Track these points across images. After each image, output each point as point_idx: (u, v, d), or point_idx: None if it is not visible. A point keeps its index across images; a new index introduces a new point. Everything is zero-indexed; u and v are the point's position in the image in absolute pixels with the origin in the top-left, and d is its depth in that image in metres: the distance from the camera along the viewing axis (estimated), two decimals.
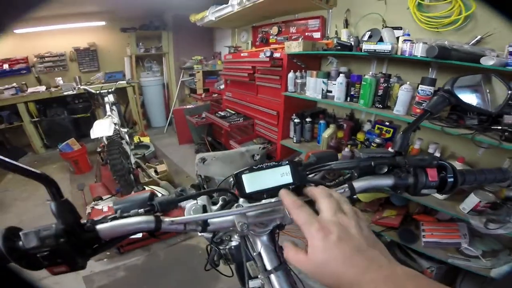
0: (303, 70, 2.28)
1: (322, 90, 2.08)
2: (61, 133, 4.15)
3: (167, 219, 0.41)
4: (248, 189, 0.43)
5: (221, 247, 0.63)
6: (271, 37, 3.15)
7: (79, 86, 3.23)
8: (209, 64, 4.62)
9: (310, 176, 0.53)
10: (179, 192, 0.51)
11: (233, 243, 0.62)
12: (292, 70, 2.30)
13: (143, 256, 2.10)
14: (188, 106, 4.25)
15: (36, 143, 4.24)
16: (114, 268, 1.98)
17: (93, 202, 2.26)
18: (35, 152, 4.31)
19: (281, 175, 0.45)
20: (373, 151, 0.53)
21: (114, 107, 3.08)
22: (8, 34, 3.96)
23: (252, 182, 0.43)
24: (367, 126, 2.14)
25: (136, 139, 4.06)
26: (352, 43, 1.89)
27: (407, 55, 1.57)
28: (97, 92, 3.11)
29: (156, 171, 2.96)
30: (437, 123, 1.47)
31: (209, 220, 0.44)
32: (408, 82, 1.63)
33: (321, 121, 2.29)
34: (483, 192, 1.42)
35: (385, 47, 1.62)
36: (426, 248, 1.65)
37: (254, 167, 0.44)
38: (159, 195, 0.51)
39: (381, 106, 1.79)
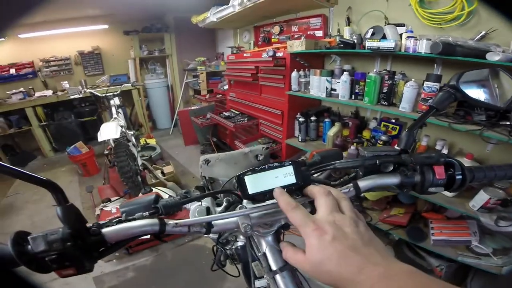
0: (306, 69, 2.27)
1: (326, 88, 2.06)
2: (69, 137, 4.22)
3: (171, 221, 0.41)
4: (250, 191, 0.43)
5: (227, 248, 0.64)
6: (273, 36, 3.14)
7: (85, 89, 3.28)
8: (212, 65, 4.64)
9: (314, 175, 0.52)
10: (183, 194, 0.51)
11: (239, 243, 0.62)
12: (295, 69, 2.29)
13: (152, 257, 2.12)
14: (192, 107, 4.28)
15: (45, 147, 4.32)
16: (124, 268, 2.01)
17: (102, 204, 2.30)
18: (44, 156, 4.39)
19: (284, 175, 0.44)
20: (378, 149, 0.52)
21: (120, 110, 3.12)
22: (13, 38, 4.04)
23: (255, 183, 0.43)
24: (372, 124, 2.12)
25: (142, 141, 4.10)
26: (355, 41, 1.87)
27: (411, 51, 1.55)
28: (103, 95, 3.15)
29: (163, 173, 2.99)
30: (444, 120, 1.45)
31: (213, 222, 0.44)
32: (413, 79, 1.61)
33: (326, 120, 2.28)
34: (493, 189, 1.39)
35: (389, 44, 1.60)
36: (435, 246, 1.63)
37: (256, 168, 0.44)
38: (166, 196, 0.51)
39: (386, 104, 1.78)
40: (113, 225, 0.40)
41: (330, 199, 0.37)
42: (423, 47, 1.48)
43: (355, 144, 1.98)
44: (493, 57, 1.26)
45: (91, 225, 0.39)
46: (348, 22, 2.23)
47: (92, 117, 4.54)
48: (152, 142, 4.29)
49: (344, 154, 1.96)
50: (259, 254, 0.50)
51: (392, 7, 1.92)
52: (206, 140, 3.94)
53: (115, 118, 2.90)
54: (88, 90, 3.29)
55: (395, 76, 1.75)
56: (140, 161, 2.89)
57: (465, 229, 1.59)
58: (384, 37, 1.79)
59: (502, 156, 1.54)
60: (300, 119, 2.37)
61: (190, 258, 2.08)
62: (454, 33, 1.55)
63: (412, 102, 1.62)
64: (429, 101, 1.49)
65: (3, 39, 4.00)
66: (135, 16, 4.49)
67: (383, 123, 2.03)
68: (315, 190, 0.39)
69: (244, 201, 0.48)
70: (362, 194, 0.49)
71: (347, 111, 2.42)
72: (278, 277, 0.47)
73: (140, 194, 2.00)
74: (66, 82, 4.47)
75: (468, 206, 1.45)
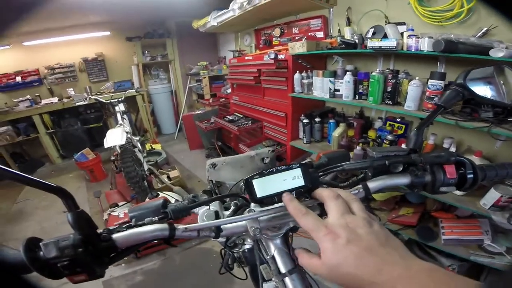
0: (308, 70, 2.27)
1: (330, 89, 2.06)
2: (75, 143, 4.28)
3: (180, 226, 0.42)
4: (259, 194, 0.43)
5: (234, 251, 0.63)
6: (274, 39, 3.15)
7: (90, 96, 3.32)
8: (214, 69, 4.67)
9: (322, 177, 0.52)
10: (191, 199, 0.52)
11: (247, 246, 0.62)
12: (297, 71, 2.29)
13: (159, 261, 2.13)
14: (196, 112, 4.30)
15: (53, 154, 4.38)
16: (132, 272, 2.02)
17: (110, 209, 2.31)
18: (52, 163, 4.46)
19: (293, 178, 0.44)
20: (386, 149, 0.52)
21: (125, 116, 3.15)
22: (17, 46, 4.11)
23: (263, 186, 0.43)
24: (378, 123, 2.11)
25: (148, 146, 4.14)
26: (356, 41, 1.87)
27: (413, 50, 1.55)
28: (108, 101, 3.20)
29: (169, 177, 3.01)
30: (450, 117, 1.44)
31: (222, 226, 0.44)
32: (417, 77, 1.59)
33: (331, 121, 2.27)
34: (504, 186, 1.37)
35: (390, 43, 1.59)
36: (446, 246, 1.60)
37: (264, 171, 0.44)
38: (172, 201, 0.51)
39: (391, 103, 1.76)
40: (123, 230, 0.40)
41: (340, 202, 0.37)
42: (425, 45, 1.48)
43: (361, 144, 1.97)
44: (497, 53, 1.24)
45: (101, 230, 0.39)
46: (348, 22, 2.22)
47: (98, 124, 4.59)
48: (157, 147, 4.32)
49: (350, 154, 1.94)
50: (268, 257, 0.50)
51: (392, 6, 1.92)
52: (211, 144, 3.96)
53: (121, 124, 2.93)
54: (93, 97, 3.34)
55: (399, 75, 1.74)
56: (146, 166, 2.91)
57: (476, 228, 1.56)
58: (385, 36, 1.78)
59: (511, 152, 1.51)
60: (304, 121, 2.36)
61: (198, 262, 2.08)
62: (455, 31, 1.54)
63: (417, 101, 1.60)
64: (434, 99, 1.47)
65: (8, 46, 4.07)
66: (137, 22, 4.54)
67: (388, 122, 2.01)
68: (324, 194, 0.39)
69: (252, 204, 0.47)
70: (370, 196, 0.48)
71: (351, 112, 2.40)
72: (287, 279, 0.47)
73: (147, 199, 2.02)
74: (72, 89, 4.53)
75: (479, 205, 1.43)
